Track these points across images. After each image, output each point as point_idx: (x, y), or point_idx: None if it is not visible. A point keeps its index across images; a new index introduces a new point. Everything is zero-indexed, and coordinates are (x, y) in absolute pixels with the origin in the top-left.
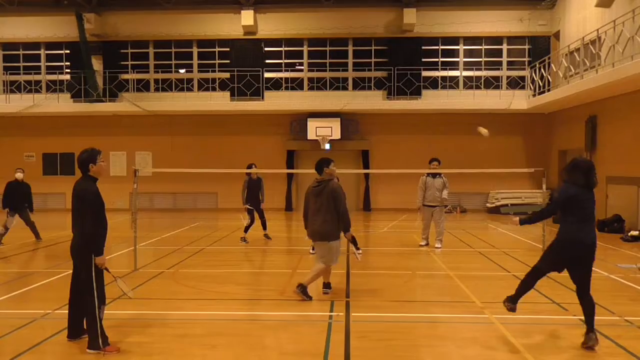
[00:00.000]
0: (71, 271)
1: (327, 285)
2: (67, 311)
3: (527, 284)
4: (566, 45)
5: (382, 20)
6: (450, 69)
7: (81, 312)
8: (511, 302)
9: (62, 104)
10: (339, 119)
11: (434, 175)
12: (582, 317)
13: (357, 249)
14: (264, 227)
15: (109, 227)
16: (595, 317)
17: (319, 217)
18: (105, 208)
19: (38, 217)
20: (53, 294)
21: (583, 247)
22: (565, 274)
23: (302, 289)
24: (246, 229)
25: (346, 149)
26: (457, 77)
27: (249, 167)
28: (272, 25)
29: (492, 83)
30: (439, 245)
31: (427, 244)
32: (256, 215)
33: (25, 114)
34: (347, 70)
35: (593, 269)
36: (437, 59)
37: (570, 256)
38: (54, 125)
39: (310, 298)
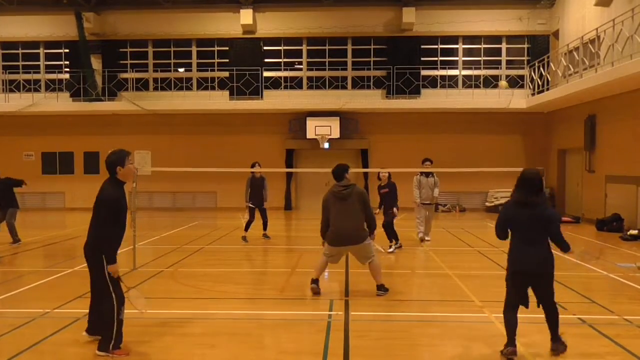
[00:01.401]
0: (71, 270)
1: (315, 282)
2: (66, 310)
3: (508, 321)
4: (565, 44)
5: (381, 19)
6: (449, 68)
7: (99, 314)
8: (509, 346)
9: (61, 103)
10: (338, 118)
11: (427, 175)
12: (581, 317)
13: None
14: (265, 227)
15: None
16: (595, 316)
17: (352, 221)
18: (126, 214)
19: (37, 216)
20: (52, 293)
21: (529, 273)
22: (562, 273)
23: (383, 288)
24: (246, 227)
25: (345, 148)
26: (456, 76)
27: (253, 165)
28: (271, 25)
29: (491, 82)
30: (429, 238)
31: (423, 241)
32: (258, 214)
33: (25, 113)
34: (346, 69)
35: (593, 268)
36: (436, 58)
37: (521, 281)
38: (53, 124)
39: (387, 290)
